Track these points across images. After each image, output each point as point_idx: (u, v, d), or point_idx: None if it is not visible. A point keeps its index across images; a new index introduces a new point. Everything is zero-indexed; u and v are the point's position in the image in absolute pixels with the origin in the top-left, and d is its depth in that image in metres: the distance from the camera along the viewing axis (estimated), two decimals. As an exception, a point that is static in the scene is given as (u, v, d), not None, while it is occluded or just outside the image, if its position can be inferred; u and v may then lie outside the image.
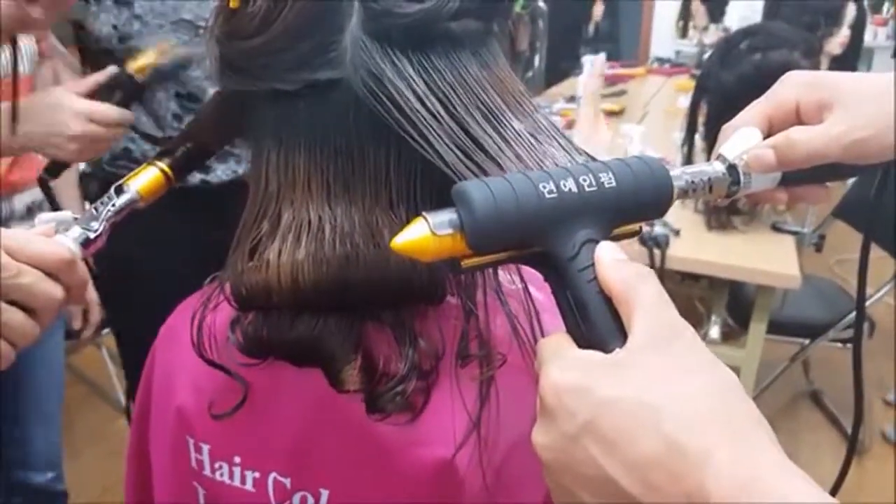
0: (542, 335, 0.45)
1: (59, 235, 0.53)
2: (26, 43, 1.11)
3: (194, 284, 0.60)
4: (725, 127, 0.50)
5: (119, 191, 0.56)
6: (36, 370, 1.34)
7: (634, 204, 0.38)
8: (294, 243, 0.44)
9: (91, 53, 1.07)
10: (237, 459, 0.52)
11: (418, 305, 0.47)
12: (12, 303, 0.47)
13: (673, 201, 0.41)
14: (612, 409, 0.31)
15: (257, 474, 0.51)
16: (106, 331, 1.99)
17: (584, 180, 0.37)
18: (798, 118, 0.48)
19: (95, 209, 0.55)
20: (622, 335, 0.34)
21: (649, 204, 0.39)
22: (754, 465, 0.28)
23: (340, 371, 0.46)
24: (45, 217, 0.56)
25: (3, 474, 1.37)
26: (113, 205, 0.55)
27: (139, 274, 1.10)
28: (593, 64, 2.46)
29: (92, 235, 0.53)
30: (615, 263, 0.35)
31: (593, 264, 0.35)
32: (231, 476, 0.52)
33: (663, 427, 0.29)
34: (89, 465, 2.00)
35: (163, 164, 0.58)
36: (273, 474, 0.51)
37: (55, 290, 0.49)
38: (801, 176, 0.48)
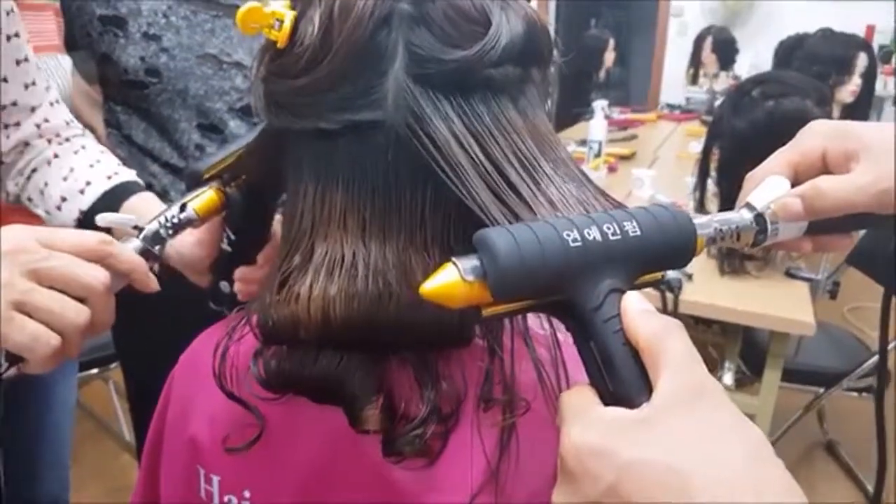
0: (568, 384, 0.45)
1: (120, 244, 0.53)
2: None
3: (202, 314, 0.60)
4: (750, 174, 0.50)
5: (180, 209, 0.58)
6: (50, 405, 1.33)
7: (659, 253, 0.38)
8: (326, 278, 0.44)
9: (115, 87, 1.09)
10: (247, 494, 0.51)
11: (444, 346, 0.47)
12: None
13: (698, 251, 0.41)
14: (638, 473, 0.29)
15: None
16: (114, 365, 1.99)
17: (609, 228, 0.36)
18: (824, 167, 0.48)
19: (158, 222, 0.57)
20: (648, 390, 0.33)
21: (674, 253, 0.39)
22: None
23: (361, 410, 0.46)
24: (107, 216, 0.58)
25: (9, 509, 1.36)
26: (172, 221, 0.57)
27: (147, 304, 1.10)
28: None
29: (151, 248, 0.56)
30: (643, 315, 0.34)
31: (618, 314, 0.35)
32: None
33: (693, 494, 0.28)
34: (94, 501, 1.98)
35: (217, 187, 0.60)
36: None
37: (94, 271, 0.48)
38: (827, 225, 0.48)
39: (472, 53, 0.42)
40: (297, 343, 0.46)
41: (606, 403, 0.34)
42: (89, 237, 0.49)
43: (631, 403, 0.33)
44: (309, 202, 0.46)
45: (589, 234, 0.35)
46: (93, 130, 1.48)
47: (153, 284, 0.54)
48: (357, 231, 0.44)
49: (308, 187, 0.46)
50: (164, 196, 1.07)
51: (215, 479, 0.52)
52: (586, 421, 0.33)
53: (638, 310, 0.34)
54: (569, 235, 0.35)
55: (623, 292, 0.35)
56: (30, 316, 0.46)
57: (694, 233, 0.40)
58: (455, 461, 0.46)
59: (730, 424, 0.31)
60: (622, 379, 0.34)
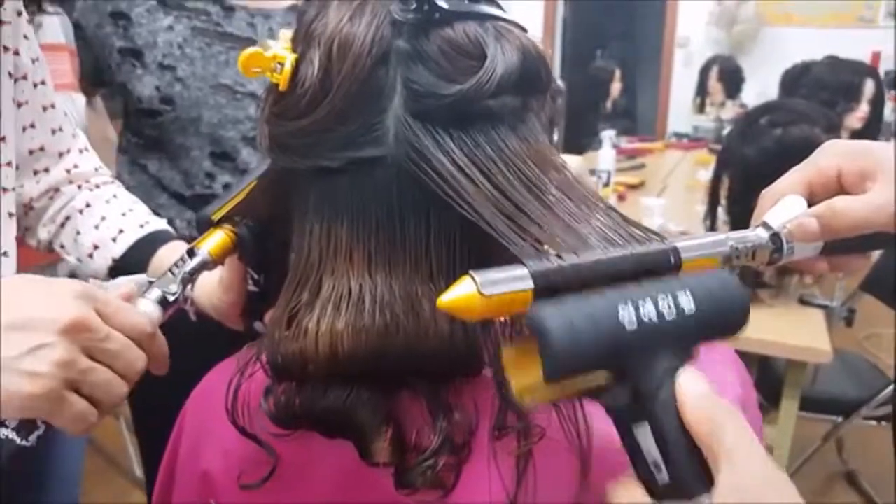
0: (582, 409, 0.44)
1: (142, 299, 0.55)
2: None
3: (210, 348, 0.60)
4: (766, 192, 0.50)
5: (191, 253, 0.58)
6: (61, 440, 1.33)
7: (715, 327, 0.36)
8: (334, 313, 0.44)
9: (130, 117, 1.12)
10: None
11: (454, 377, 0.46)
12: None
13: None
14: None
15: None
16: (125, 401, 1.98)
17: (663, 304, 0.34)
18: (839, 186, 0.48)
19: (171, 272, 0.57)
20: (708, 482, 0.31)
21: (729, 326, 0.37)
22: None
23: (371, 443, 0.46)
24: (123, 280, 0.58)
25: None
26: (187, 267, 0.58)
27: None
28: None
29: (171, 297, 0.56)
30: (700, 400, 0.32)
31: (674, 397, 0.33)
32: None
33: None
34: (102, 541, 1.96)
35: (227, 227, 0.60)
36: None
37: (138, 359, 0.50)
38: (842, 245, 0.47)
39: (469, 87, 0.42)
40: (306, 378, 0.46)
41: (656, 498, 0.33)
42: (143, 326, 0.51)
43: (689, 495, 0.31)
44: (315, 238, 0.46)
45: (644, 315, 0.34)
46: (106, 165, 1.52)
47: (165, 370, 0.56)
48: (363, 265, 0.45)
49: (314, 224, 0.46)
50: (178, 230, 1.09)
51: None
52: None
53: (695, 394, 0.33)
54: (624, 317, 0.33)
55: (679, 372, 0.34)
56: (79, 391, 0.48)
57: (747, 300, 0.38)
58: (471, 492, 0.45)
59: None
60: (680, 469, 0.32)
